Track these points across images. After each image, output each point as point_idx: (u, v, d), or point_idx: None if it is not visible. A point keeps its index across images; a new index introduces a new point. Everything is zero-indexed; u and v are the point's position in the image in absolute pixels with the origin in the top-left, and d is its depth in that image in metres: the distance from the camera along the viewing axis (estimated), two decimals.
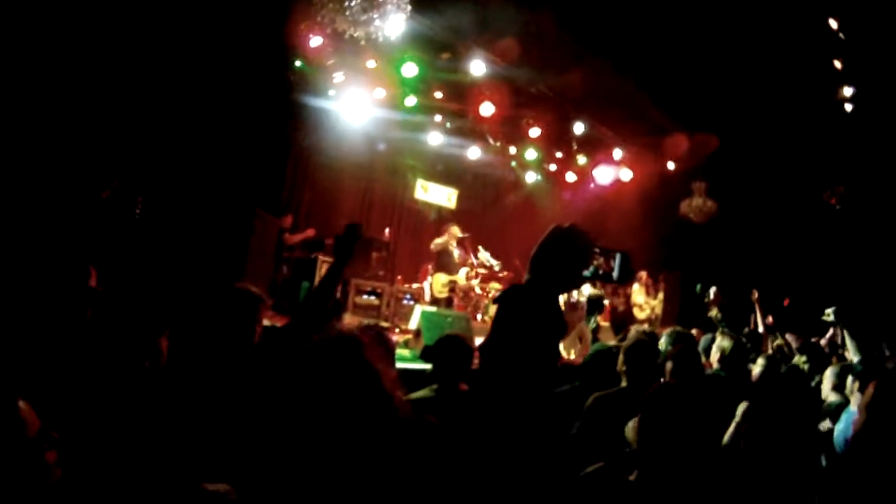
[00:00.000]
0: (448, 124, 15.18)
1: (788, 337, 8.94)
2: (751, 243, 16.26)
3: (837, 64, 13.12)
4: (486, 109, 13.32)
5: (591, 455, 3.16)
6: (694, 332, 8.15)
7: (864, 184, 15.30)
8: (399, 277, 15.23)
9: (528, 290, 2.40)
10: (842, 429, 5.02)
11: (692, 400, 2.99)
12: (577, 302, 11.21)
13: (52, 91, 8.83)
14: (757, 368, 5.83)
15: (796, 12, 11.91)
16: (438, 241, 13.44)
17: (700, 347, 6.88)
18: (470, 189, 18.25)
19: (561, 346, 6.91)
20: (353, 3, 9.27)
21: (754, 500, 2.44)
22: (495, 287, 14.12)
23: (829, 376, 5.83)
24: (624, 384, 4.54)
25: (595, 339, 7.25)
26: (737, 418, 3.95)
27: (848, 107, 14.00)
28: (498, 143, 16.12)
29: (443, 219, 16.28)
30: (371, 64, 12.20)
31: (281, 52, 11.13)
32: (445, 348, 4.36)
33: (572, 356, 8.93)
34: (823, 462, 4.10)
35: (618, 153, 16.38)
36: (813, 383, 6.14)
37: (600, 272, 2.61)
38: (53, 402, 2.20)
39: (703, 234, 16.98)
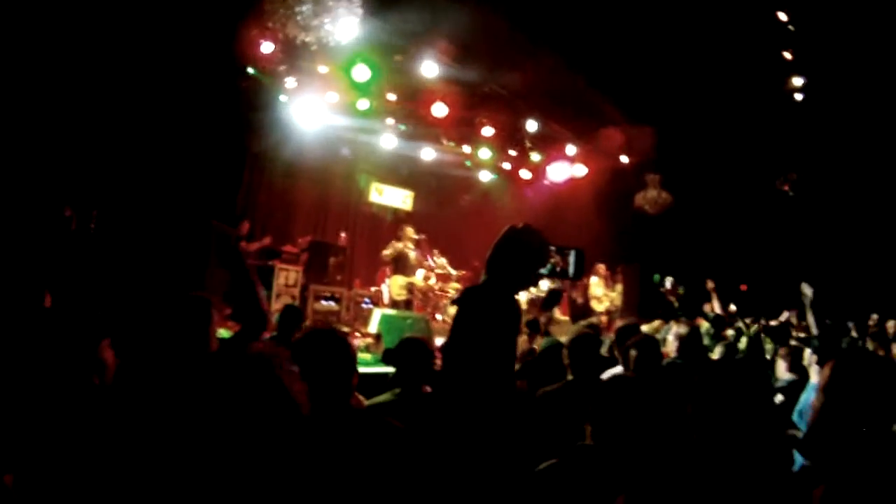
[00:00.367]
0: (401, 126, 15.18)
1: (748, 321, 9.11)
2: (707, 232, 16.47)
3: (787, 55, 13.34)
4: (439, 110, 13.34)
5: (542, 450, 3.17)
6: (657, 323, 8.25)
7: (816, 170, 15.57)
8: (357, 281, 15.19)
9: (485, 290, 2.45)
10: (804, 399, 5.21)
11: (648, 392, 3.03)
12: (538, 298, 11.29)
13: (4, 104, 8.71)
14: (716, 355, 5.95)
15: (746, 5, 12.10)
16: (386, 252, 13.39)
17: (659, 337, 6.97)
18: (425, 190, 18.22)
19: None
20: (304, 8, 9.26)
21: (711, 479, 2.48)
22: (454, 287, 14.15)
23: (783, 357, 5.98)
24: (570, 378, 4.56)
25: (547, 333, 7.27)
26: None
27: (798, 96, 14.25)
28: (452, 144, 16.15)
29: (399, 221, 16.27)
30: (323, 69, 12.15)
31: (232, 60, 11.04)
32: (406, 351, 4.36)
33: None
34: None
35: (571, 149, 16.46)
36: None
37: (557, 269, 2.66)
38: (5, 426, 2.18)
39: (660, 225, 17.15)
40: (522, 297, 13.92)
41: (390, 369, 4.58)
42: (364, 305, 12.62)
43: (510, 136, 15.97)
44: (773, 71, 14.03)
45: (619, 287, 16.03)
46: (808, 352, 5.93)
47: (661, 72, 13.49)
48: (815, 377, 5.54)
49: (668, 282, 10.19)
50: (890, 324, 10.53)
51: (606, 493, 2.81)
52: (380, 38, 11.41)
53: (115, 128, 10.24)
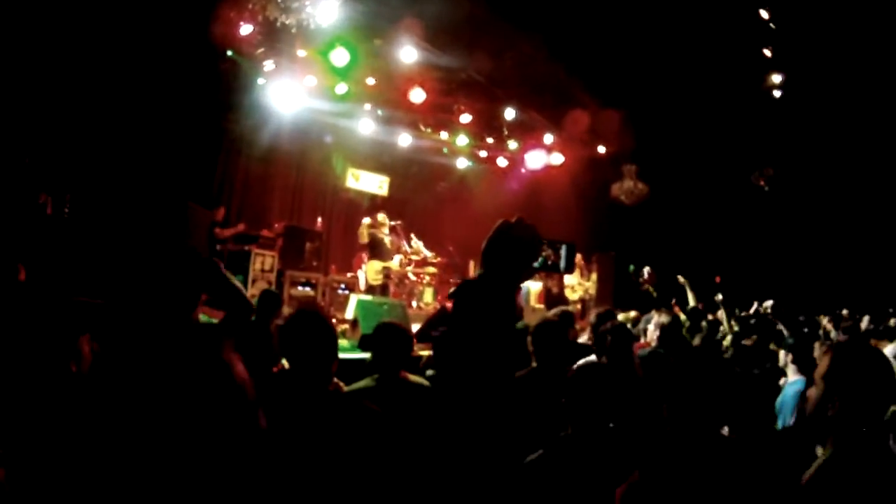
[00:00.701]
0: (379, 112, 15.12)
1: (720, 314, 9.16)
2: (682, 224, 16.58)
3: (767, 52, 13.44)
4: (417, 96, 13.30)
5: (520, 439, 3.19)
6: (633, 313, 8.28)
7: (792, 166, 15.71)
8: (333, 267, 15.16)
9: (482, 283, 2.46)
10: (790, 394, 5.30)
11: (620, 379, 3.05)
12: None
13: None
14: (696, 342, 6.01)
15: (728, 2, 12.18)
16: (361, 234, 13.35)
17: (639, 327, 7.01)
18: (402, 176, 18.20)
19: None
20: None
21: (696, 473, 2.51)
22: (430, 272, 14.17)
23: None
24: (534, 364, 4.56)
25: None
26: None
27: (777, 93, 14.36)
28: (429, 130, 16.12)
29: (375, 207, 16.24)
30: (302, 52, 12.07)
31: (211, 42, 10.93)
32: (384, 337, 4.35)
33: None
34: None
35: (548, 138, 16.50)
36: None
37: (549, 262, 2.69)
38: None
39: (635, 215, 17.25)
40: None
41: (366, 355, 4.57)
42: (340, 291, 12.58)
43: (488, 124, 16.00)
44: (752, 67, 14.13)
45: (594, 276, 16.10)
46: (781, 353, 5.99)
47: (641, 64, 13.54)
48: (792, 375, 5.61)
49: (646, 271, 10.24)
50: (864, 319, 10.61)
51: (594, 482, 2.84)
52: (359, 22, 11.33)
53: (91, 110, 10.12)
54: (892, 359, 2.95)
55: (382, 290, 13.13)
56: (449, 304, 10.34)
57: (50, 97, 9.62)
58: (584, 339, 6.90)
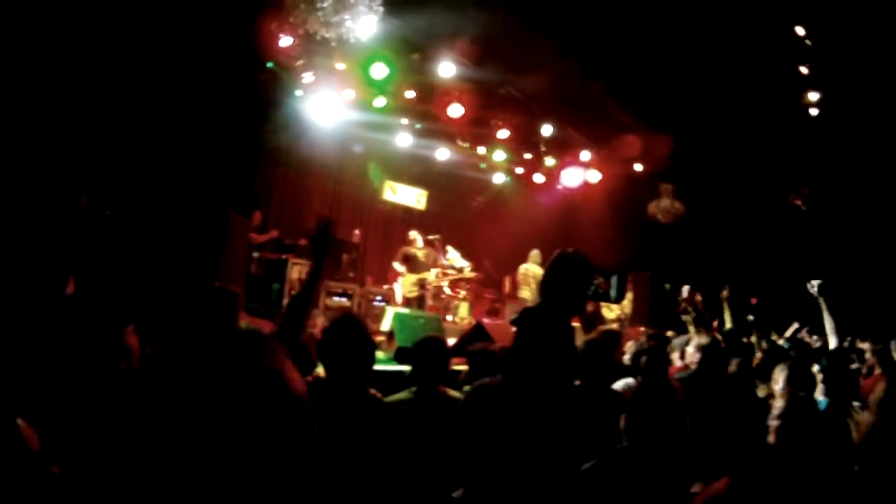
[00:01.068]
0: (417, 125, 15.18)
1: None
2: (718, 243, 16.44)
3: (804, 69, 13.32)
4: (455, 111, 13.35)
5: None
6: (669, 333, 8.19)
7: (830, 185, 15.53)
8: (369, 279, 15.21)
9: (542, 312, 2.55)
10: None
11: (652, 400, 3.05)
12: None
13: (21, 95, 8.71)
14: (732, 367, 5.93)
15: (764, 19, 12.08)
16: (396, 263, 13.54)
17: (673, 346, 6.93)
18: (439, 190, 18.25)
19: None
20: (325, 4, 9.26)
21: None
22: (466, 277, 14.19)
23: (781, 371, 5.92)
24: (577, 382, 4.55)
25: None
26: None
27: (813, 111, 14.22)
28: (467, 145, 16.15)
29: (413, 220, 16.29)
30: (341, 66, 12.14)
31: (252, 53, 11.03)
32: (424, 350, 4.36)
33: None
34: None
35: (585, 155, 16.47)
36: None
37: (600, 291, 2.79)
38: (43, 415, 2.19)
39: (672, 234, 17.13)
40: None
41: (402, 368, 4.58)
42: (376, 303, 12.61)
43: (525, 140, 15.99)
44: (789, 85, 14.02)
45: (630, 295, 15.99)
46: (815, 368, 5.87)
47: (678, 82, 13.49)
48: (820, 395, 5.51)
49: (685, 290, 10.11)
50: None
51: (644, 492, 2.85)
52: (398, 37, 11.40)
53: (134, 118, 10.24)
54: None
55: (419, 301, 13.15)
56: (485, 320, 10.36)
57: (94, 105, 9.74)
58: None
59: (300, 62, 12.02)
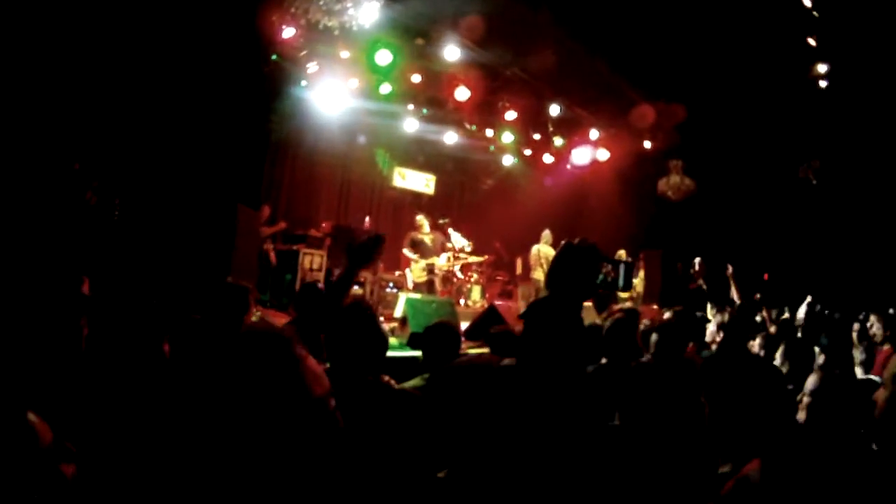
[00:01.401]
0: (424, 110, 15.15)
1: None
2: (729, 219, 16.37)
3: (812, 41, 13.21)
4: (462, 94, 13.32)
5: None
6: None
7: (840, 158, 15.44)
8: (381, 265, 15.22)
9: (551, 303, 2.56)
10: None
11: (664, 379, 3.05)
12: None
13: (26, 92, 8.73)
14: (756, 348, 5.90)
15: None
16: (405, 250, 13.55)
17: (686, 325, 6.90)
18: (448, 174, 18.26)
19: None
20: None
21: None
22: (476, 261, 14.19)
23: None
24: (604, 361, 4.57)
25: None
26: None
27: (822, 83, 14.12)
28: (474, 128, 16.10)
29: (422, 205, 16.30)
30: (345, 54, 12.12)
31: (255, 44, 11.02)
32: (435, 336, 4.37)
33: None
34: None
35: (594, 134, 16.41)
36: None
37: (608, 280, 2.78)
38: (62, 414, 2.20)
39: (682, 211, 17.08)
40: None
41: (415, 353, 4.59)
42: (388, 290, 12.63)
43: (533, 120, 15.93)
44: (797, 57, 13.91)
45: (641, 273, 15.96)
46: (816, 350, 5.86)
47: (685, 57, 13.40)
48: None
49: (697, 262, 10.08)
50: None
51: (632, 470, 2.86)
52: (402, 22, 11.36)
53: (139, 112, 10.24)
54: None
55: (428, 286, 13.17)
56: (498, 303, 10.38)
57: (99, 102, 9.75)
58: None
59: (304, 52, 12.01)
